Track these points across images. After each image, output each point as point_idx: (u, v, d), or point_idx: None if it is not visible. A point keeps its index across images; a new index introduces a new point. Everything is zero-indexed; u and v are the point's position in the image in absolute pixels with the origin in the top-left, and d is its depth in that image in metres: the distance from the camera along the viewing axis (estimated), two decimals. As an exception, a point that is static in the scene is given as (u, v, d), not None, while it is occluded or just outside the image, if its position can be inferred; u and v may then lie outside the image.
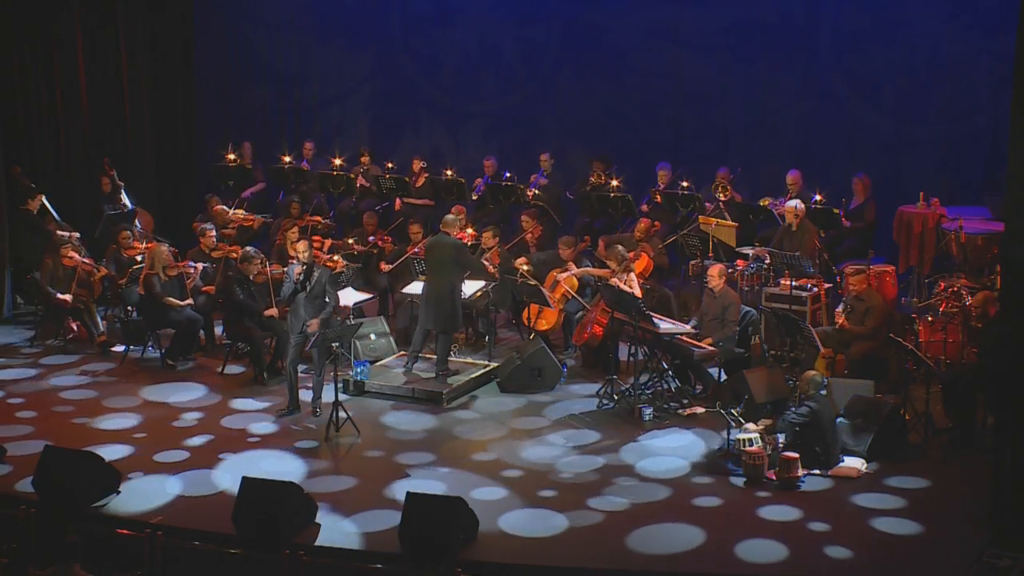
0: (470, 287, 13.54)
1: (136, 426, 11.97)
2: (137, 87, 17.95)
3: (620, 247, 13.18)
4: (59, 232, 15.10)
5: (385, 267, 14.70)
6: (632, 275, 12.87)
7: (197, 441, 11.57)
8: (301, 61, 19.24)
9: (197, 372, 13.47)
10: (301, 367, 12.35)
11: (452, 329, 12.96)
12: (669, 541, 9.51)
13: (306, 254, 12.06)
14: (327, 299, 12.12)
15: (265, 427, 11.90)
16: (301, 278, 11.95)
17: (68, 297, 14.14)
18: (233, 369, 13.40)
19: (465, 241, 14.51)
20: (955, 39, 15.51)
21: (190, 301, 13.63)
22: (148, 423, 12.04)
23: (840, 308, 12.50)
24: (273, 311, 13.05)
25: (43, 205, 15.70)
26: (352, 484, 10.62)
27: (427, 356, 13.09)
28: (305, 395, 12.25)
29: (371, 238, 15.16)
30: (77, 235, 15.18)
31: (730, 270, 13.65)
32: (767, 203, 14.97)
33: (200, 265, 14.16)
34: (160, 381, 13.16)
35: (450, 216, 13.22)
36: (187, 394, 12.81)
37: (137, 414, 12.27)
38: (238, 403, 12.54)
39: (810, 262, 13.42)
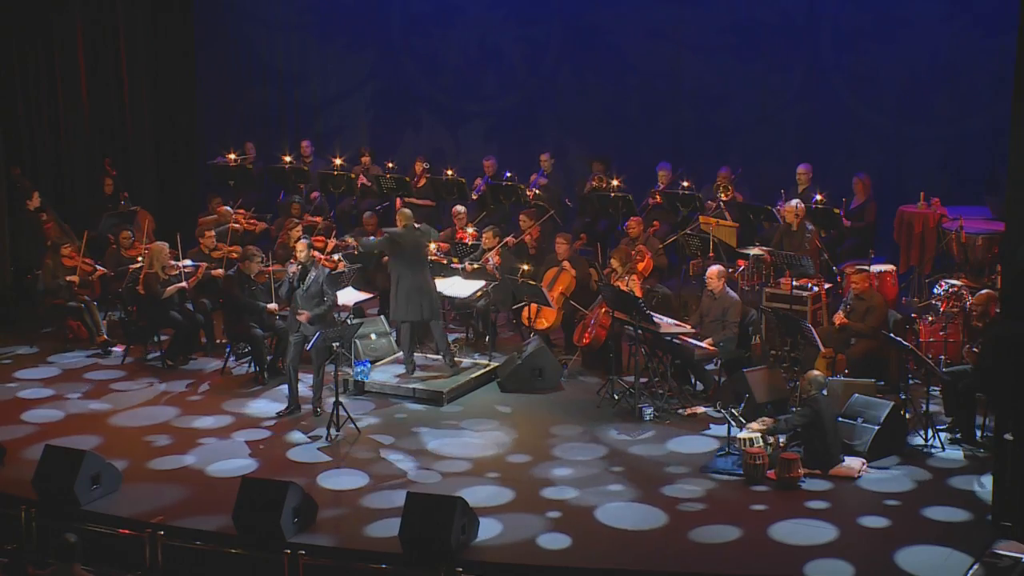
0: (470, 287, 13.54)
1: (136, 426, 11.97)
2: (137, 87, 17.96)
3: (624, 247, 13.19)
4: (57, 235, 15.09)
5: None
6: (634, 276, 12.88)
7: (197, 441, 11.56)
8: (301, 61, 19.25)
9: (197, 372, 13.48)
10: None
11: (439, 314, 13.04)
12: (669, 541, 9.50)
13: (303, 254, 12.08)
14: (325, 298, 12.13)
15: (265, 427, 11.90)
16: (295, 277, 11.98)
17: (75, 278, 14.17)
18: (233, 369, 13.41)
19: (465, 241, 14.55)
20: (955, 39, 15.54)
21: (182, 286, 13.68)
22: (148, 423, 12.03)
23: (840, 309, 12.49)
24: (274, 306, 13.05)
25: (41, 202, 15.69)
26: (353, 483, 10.61)
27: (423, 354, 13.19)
28: (305, 395, 12.26)
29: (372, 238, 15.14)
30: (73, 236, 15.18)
31: (730, 270, 13.64)
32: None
33: (202, 264, 14.19)
34: (159, 381, 13.16)
35: (407, 210, 13.14)
36: (186, 394, 12.81)
37: (136, 414, 12.26)
38: (238, 403, 12.53)
39: (810, 261, 13.42)
